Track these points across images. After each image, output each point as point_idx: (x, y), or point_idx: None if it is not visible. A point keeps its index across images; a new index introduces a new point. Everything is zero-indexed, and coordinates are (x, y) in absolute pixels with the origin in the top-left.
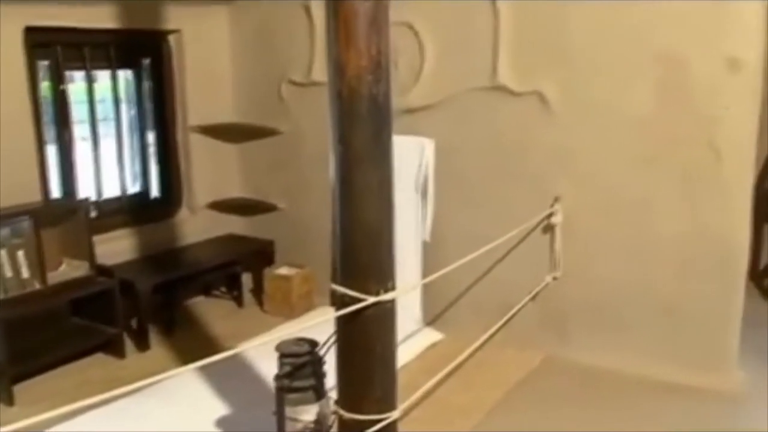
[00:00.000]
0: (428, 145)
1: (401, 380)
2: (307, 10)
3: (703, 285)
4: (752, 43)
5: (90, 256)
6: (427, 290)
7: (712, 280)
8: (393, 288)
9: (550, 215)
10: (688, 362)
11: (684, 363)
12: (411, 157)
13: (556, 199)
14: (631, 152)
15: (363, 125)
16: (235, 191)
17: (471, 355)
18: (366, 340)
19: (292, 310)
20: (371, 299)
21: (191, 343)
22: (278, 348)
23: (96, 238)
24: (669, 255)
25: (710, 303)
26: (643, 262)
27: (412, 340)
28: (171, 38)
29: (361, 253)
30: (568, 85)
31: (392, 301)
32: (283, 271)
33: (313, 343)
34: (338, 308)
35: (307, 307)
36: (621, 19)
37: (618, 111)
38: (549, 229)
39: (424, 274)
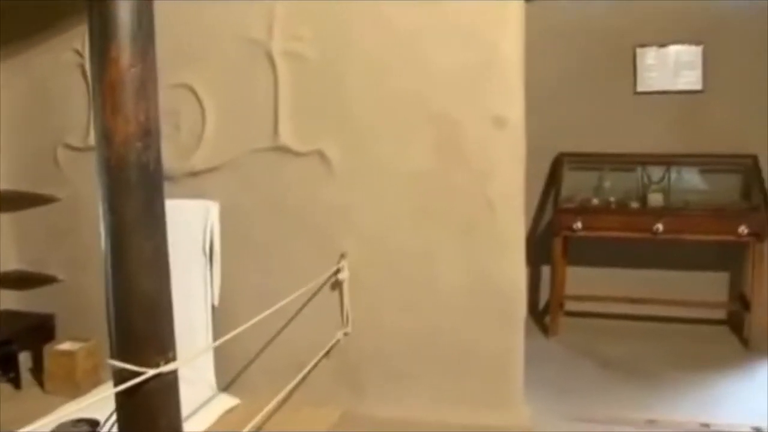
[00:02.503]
0: (213, 208)
1: None
2: (83, 71)
3: (486, 329)
4: (514, 102)
5: None
6: (221, 355)
7: (494, 324)
8: (174, 358)
9: (337, 272)
10: (479, 403)
11: (475, 404)
12: (195, 220)
13: (342, 256)
14: (412, 208)
15: (133, 194)
16: (8, 263)
17: (268, 418)
18: (149, 414)
19: (77, 388)
20: (151, 372)
21: None
22: None
23: None
24: (453, 303)
25: (494, 345)
26: (429, 312)
27: (206, 408)
28: None
29: (137, 325)
30: (349, 144)
31: (174, 372)
32: (66, 346)
33: (94, 423)
34: (117, 383)
35: (94, 382)
36: (397, 81)
37: (397, 169)
38: (337, 285)
39: (216, 339)
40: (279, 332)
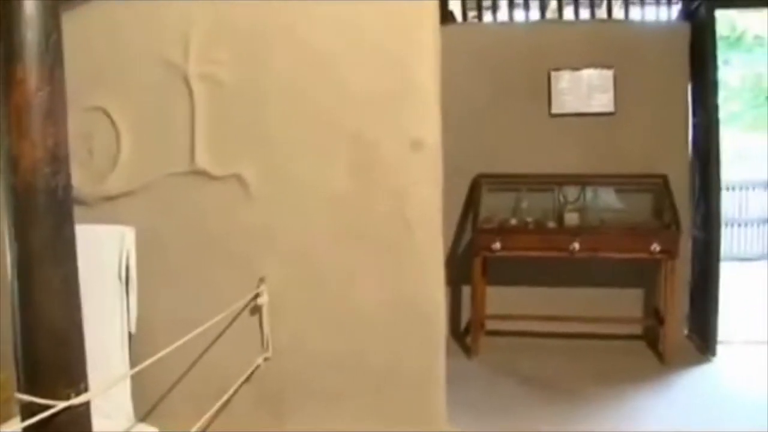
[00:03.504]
0: (129, 234)
1: None
2: None
3: (407, 349)
4: (431, 124)
5: None
6: (138, 384)
7: (415, 344)
8: (86, 389)
9: (257, 296)
10: (402, 424)
11: (398, 425)
12: (110, 247)
13: (262, 280)
14: (332, 229)
15: (41, 221)
16: None
17: None
18: None
19: None
20: (61, 404)
21: None
22: None
23: None
24: (374, 324)
25: (415, 365)
26: (350, 334)
27: None
28: None
29: (46, 356)
30: (267, 167)
31: (86, 404)
32: None
33: None
34: (25, 417)
35: (5, 417)
36: (314, 103)
37: (317, 190)
38: (257, 310)
39: (133, 368)
40: (198, 359)
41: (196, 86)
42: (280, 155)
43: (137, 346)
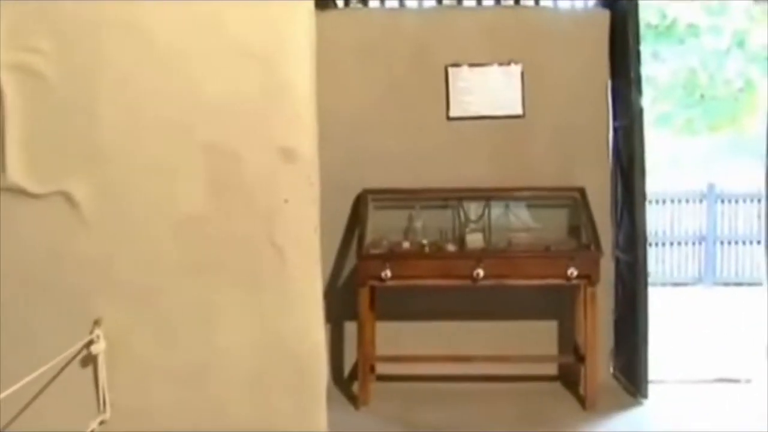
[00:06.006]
0: None
1: None
2: None
3: (279, 402)
4: (305, 131)
5: None
6: None
7: (290, 395)
8: None
9: (90, 343)
10: None
11: None
12: None
13: (97, 322)
14: (185, 258)
15: None
16: None
17: None
18: None
19: None
20: None
21: None
22: None
23: None
24: (237, 372)
25: (290, 421)
26: (210, 385)
27: None
28: None
29: None
30: (102, 183)
31: None
32: None
33: None
34: None
35: None
36: (160, 107)
37: (165, 211)
38: (90, 360)
39: None
40: (10, 424)
41: (7, 80)
42: (120, 169)
43: None
